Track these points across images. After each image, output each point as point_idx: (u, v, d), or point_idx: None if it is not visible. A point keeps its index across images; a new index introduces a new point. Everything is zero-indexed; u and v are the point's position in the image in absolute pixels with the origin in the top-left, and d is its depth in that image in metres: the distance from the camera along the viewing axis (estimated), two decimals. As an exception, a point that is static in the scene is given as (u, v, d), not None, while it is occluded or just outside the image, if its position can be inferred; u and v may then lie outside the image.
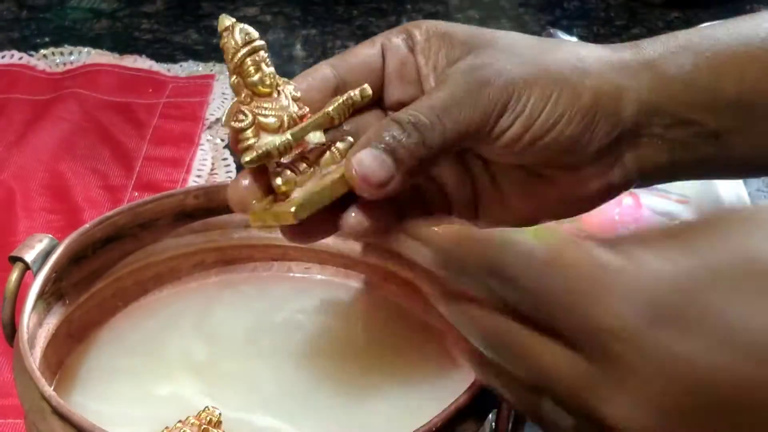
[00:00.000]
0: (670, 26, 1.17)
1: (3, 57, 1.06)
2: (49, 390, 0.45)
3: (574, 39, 1.09)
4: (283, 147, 0.44)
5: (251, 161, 0.44)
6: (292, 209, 0.43)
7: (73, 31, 1.13)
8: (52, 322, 0.53)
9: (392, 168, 0.43)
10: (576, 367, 0.35)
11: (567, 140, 0.47)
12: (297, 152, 0.45)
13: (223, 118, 0.46)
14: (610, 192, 0.50)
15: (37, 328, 0.52)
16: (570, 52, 0.48)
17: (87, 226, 0.55)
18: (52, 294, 0.54)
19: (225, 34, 0.45)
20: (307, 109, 0.46)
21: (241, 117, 0.45)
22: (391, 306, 0.59)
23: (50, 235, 0.53)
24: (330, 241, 0.60)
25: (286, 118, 0.45)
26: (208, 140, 0.94)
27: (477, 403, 0.46)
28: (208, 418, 0.49)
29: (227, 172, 0.91)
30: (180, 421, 0.49)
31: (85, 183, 0.88)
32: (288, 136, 0.44)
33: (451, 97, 0.45)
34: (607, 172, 0.49)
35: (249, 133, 0.45)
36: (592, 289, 0.34)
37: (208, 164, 0.91)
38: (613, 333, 0.33)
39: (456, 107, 0.44)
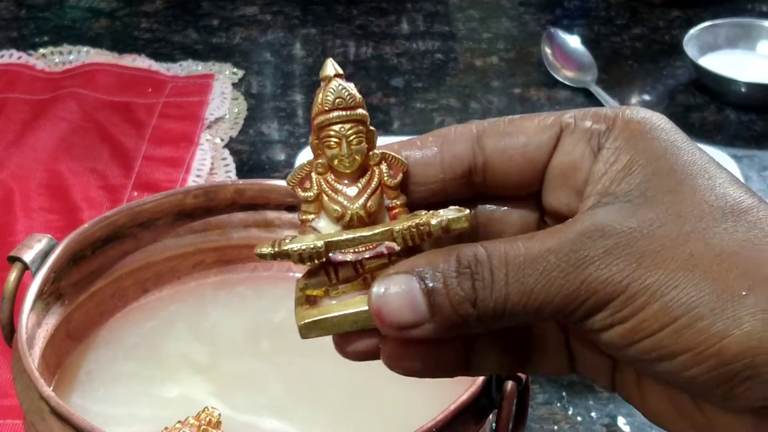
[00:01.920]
0: (671, 26, 1.17)
1: (2, 56, 1.05)
2: (47, 390, 0.45)
3: (576, 38, 1.09)
4: (307, 255, 0.36)
5: (261, 255, 0.36)
6: (301, 323, 0.36)
7: (72, 31, 1.13)
8: (50, 323, 0.53)
9: (424, 314, 0.32)
10: None
11: (687, 383, 0.32)
12: (361, 250, 0.36)
13: (289, 176, 0.38)
14: None
15: (35, 328, 0.52)
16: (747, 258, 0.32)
17: (86, 226, 0.55)
18: (51, 294, 0.53)
19: (322, 84, 0.38)
20: (400, 201, 0.37)
21: (307, 185, 0.38)
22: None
23: (49, 235, 0.53)
24: (330, 241, 0.59)
25: (349, 213, 0.37)
26: (207, 140, 0.94)
27: (477, 403, 0.46)
28: (207, 419, 0.49)
29: (226, 171, 0.91)
30: (179, 422, 0.49)
31: (84, 183, 0.88)
32: (320, 243, 0.35)
33: (537, 257, 0.32)
34: None
35: (311, 207, 0.37)
36: None
37: (208, 164, 0.91)
38: None
39: (535, 275, 0.32)
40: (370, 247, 0.36)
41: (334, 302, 0.36)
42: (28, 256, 0.52)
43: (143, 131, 0.94)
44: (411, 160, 0.37)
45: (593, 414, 0.69)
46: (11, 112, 0.97)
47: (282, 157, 0.94)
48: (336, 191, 0.37)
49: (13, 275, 0.52)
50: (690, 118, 1.01)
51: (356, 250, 0.36)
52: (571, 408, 0.69)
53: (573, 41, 1.09)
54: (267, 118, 0.99)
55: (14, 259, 0.52)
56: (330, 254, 0.36)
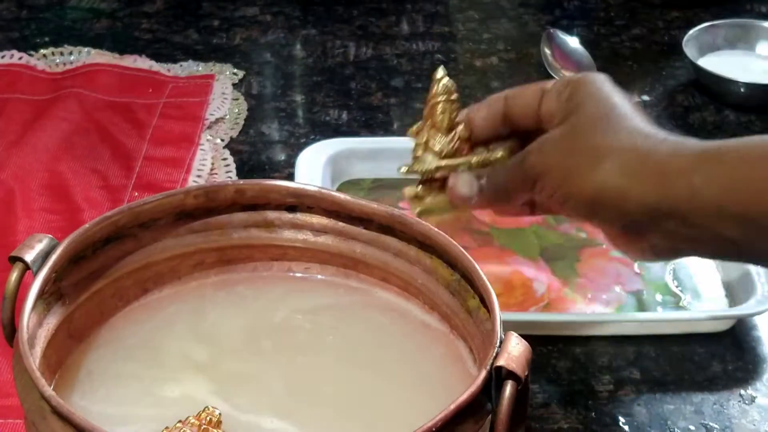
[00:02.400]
0: (670, 26, 1.17)
1: (3, 57, 1.06)
2: (48, 390, 0.45)
3: (575, 39, 1.09)
4: (425, 173, 0.67)
5: (404, 172, 0.67)
6: (416, 211, 0.67)
7: (73, 31, 1.13)
8: (51, 322, 0.53)
9: (474, 192, 0.65)
10: None
11: (581, 217, 0.63)
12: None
13: (409, 129, 0.69)
14: (645, 254, 0.62)
15: (36, 328, 0.52)
16: (604, 142, 0.60)
17: (87, 226, 0.55)
18: (51, 294, 0.54)
19: (437, 80, 0.68)
20: (468, 145, 0.67)
21: (420, 137, 0.68)
22: (391, 306, 0.59)
23: (50, 235, 0.53)
24: (330, 241, 0.60)
25: (446, 149, 0.67)
26: (208, 140, 0.94)
27: (477, 402, 0.46)
28: (208, 418, 0.49)
29: (227, 172, 0.91)
30: (180, 421, 0.49)
31: (85, 183, 0.88)
32: (432, 167, 0.67)
33: (508, 166, 0.65)
34: (635, 240, 0.61)
35: (419, 149, 0.68)
36: None
37: (208, 164, 0.91)
38: None
39: (506, 171, 0.65)
40: (458, 168, 0.67)
41: (433, 199, 0.67)
42: (29, 256, 0.52)
43: (144, 131, 0.95)
44: (473, 118, 0.67)
45: (592, 414, 0.69)
46: (12, 112, 0.97)
47: (282, 157, 0.94)
48: (437, 140, 0.67)
49: (14, 275, 0.52)
50: (689, 119, 1.01)
51: (449, 170, 0.67)
52: (570, 408, 0.69)
53: (572, 42, 1.09)
54: (267, 119, 1.00)
55: (15, 259, 0.52)
56: (436, 173, 0.67)
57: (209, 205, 0.59)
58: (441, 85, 0.67)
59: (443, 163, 0.66)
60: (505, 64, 1.09)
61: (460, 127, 0.67)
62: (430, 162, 0.66)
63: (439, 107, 0.67)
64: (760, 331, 0.76)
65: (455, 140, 0.67)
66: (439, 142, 0.67)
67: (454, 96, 0.68)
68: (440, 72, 0.68)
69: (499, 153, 0.66)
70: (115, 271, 0.57)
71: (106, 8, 1.18)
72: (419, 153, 0.67)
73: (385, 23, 1.16)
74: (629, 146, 0.59)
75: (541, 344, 0.73)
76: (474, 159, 0.67)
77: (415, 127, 0.68)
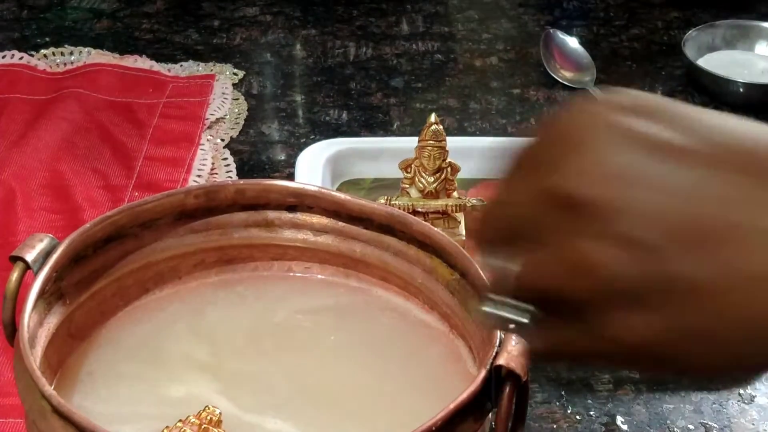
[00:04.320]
0: (670, 26, 1.17)
1: (3, 57, 1.06)
2: (49, 389, 0.45)
3: (575, 39, 1.09)
4: (403, 207, 0.73)
5: (383, 202, 0.68)
6: None
7: (74, 31, 1.13)
8: (52, 322, 0.53)
9: None
10: None
11: None
12: (429, 210, 0.75)
13: (400, 162, 0.76)
14: None
15: (37, 327, 0.52)
16: None
17: (87, 225, 0.55)
18: (52, 293, 0.54)
19: (429, 124, 0.74)
20: (453, 187, 0.76)
21: (408, 171, 0.76)
22: (391, 306, 0.59)
23: (51, 235, 0.54)
24: (330, 241, 0.60)
25: (427, 188, 0.75)
26: (208, 140, 0.94)
27: (477, 402, 0.46)
28: (208, 418, 0.49)
29: (227, 171, 0.91)
30: (180, 420, 0.49)
31: (86, 183, 0.88)
32: (410, 203, 0.75)
33: None
34: None
35: (407, 181, 0.76)
36: None
37: (209, 164, 0.91)
38: None
39: None
40: (435, 209, 0.75)
41: None
42: (29, 256, 0.52)
43: (144, 131, 0.95)
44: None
45: (592, 413, 0.69)
46: (13, 112, 0.97)
47: (282, 157, 0.94)
48: (424, 177, 0.75)
49: (15, 275, 0.52)
50: (689, 119, 1.01)
51: (426, 209, 0.75)
52: (569, 407, 0.70)
53: (572, 42, 1.09)
54: (267, 119, 1.00)
55: (16, 259, 0.52)
56: (415, 209, 0.74)
57: (209, 205, 0.59)
58: (431, 131, 0.74)
59: (422, 201, 0.75)
60: (505, 64, 1.10)
61: (447, 169, 0.75)
62: (410, 199, 0.75)
63: (427, 151, 0.74)
64: (759, 331, 0.76)
65: (439, 181, 0.75)
66: (424, 182, 0.75)
67: (442, 142, 0.74)
68: (432, 118, 0.74)
69: (473, 200, 0.75)
70: (115, 270, 0.57)
71: (106, 8, 1.18)
72: (406, 186, 0.76)
73: (385, 23, 1.16)
74: None
75: (541, 344, 0.74)
76: (450, 203, 0.75)
77: (404, 162, 0.76)
